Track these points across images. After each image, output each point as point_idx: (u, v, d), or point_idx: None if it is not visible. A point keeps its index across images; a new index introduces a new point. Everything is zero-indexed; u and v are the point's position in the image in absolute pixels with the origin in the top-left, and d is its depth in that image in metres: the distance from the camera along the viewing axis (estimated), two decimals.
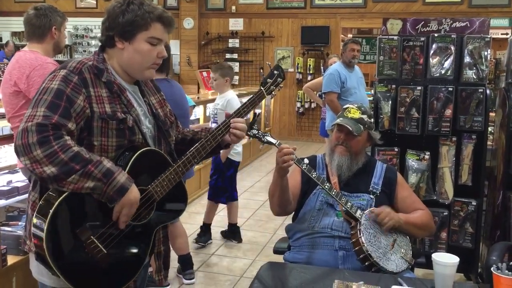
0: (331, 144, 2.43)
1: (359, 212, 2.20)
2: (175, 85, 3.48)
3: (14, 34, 11.18)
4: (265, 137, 2.14)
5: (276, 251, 2.47)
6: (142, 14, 1.66)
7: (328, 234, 2.23)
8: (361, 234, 2.12)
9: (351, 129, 2.32)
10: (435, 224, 3.02)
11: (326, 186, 2.21)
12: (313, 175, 2.21)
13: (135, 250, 1.72)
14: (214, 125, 4.09)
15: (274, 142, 2.15)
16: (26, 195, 3.05)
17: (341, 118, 2.40)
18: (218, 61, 10.39)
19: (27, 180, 3.09)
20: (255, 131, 2.10)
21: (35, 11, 2.85)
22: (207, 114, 4.41)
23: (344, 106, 2.49)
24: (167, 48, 3.34)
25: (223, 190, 4.28)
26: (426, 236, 2.95)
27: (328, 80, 5.17)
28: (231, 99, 4.24)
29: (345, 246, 2.19)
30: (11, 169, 3.30)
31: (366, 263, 2.10)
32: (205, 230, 4.31)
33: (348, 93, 5.17)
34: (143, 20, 1.66)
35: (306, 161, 2.24)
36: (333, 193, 2.21)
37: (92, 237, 1.57)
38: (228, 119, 1.89)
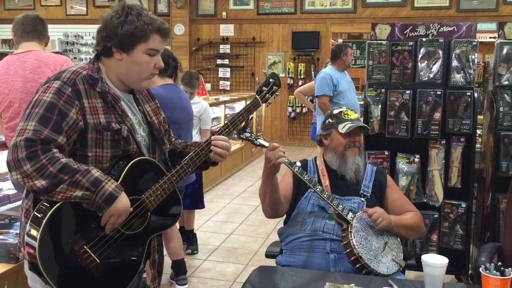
0: (340, 149, 2.38)
1: (350, 214, 2.21)
2: (182, 91, 3.50)
3: (4, 41, 11.12)
4: (258, 140, 2.15)
5: (268, 255, 2.48)
6: (141, 26, 1.65)
7: (320, 237, 2.24)
8: (352, 236, 2.14)
9: (368, 127, 2.41)
10: (426, 227, 3.05)
11: (317, 189, 2.23)
12: (305, 178, 2.23)
13: (129, 259, 1.72)
14: None
15: (267, 145, 2.16)
16: (17, 203, 3.07)
17: (349, 122, 2.37)
18: (209, 67, 10.41)
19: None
20: (247, 134, 2.11)
21: (39, 17, 2.98)
22: None
23: (336, 112, 2.47)
24: (173, 57, 3.36)
25: (201, 195, 4.30)
26: (417, 237, 2.97)
27: (320, 83, 5.20)
28: (208, 107, 4.29)
29: (336, 249, 2.20)
30: (2, 177, 3.28)
31: (357, 265, 2.11)
32: (192, 237, 4.29)
33: (341, 96, 5.21)
34: (142, 32, 1.66)
35: (298, 164, 2.26)
36: (325, 195, 2.22)
37: (85, 246, 1.57)
38: (215, 132, 1.87)
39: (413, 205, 2.50)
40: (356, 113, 2.45)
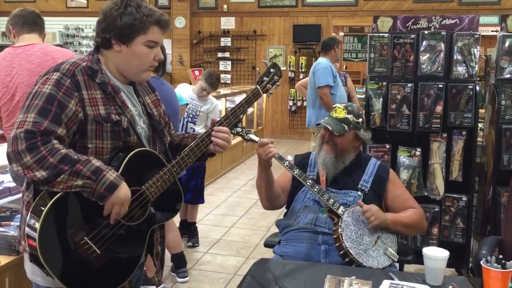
0: (319, 142, 2.46)
1: (341, 208, 2.22)
2: (165, 83, 3.49)
3: (4, 34, 11.10)
4: (248, 134, 2.16)
5: (266, 244, 2.53)
6: (141, 18, 1.64)
7: (312, 230, 2.27)
8: (342, 230, 2.15)
9: (331, 129, 2.35)
10: (427, 220, 3.04)
11: (308, 183, 2.25)
12: (295, 172, 2.27)
13: (129, 251, 1.72)
14: (191, 125, 4.22)
15: (256, 140, 2.18)
16: (18, 196, 3.07)
17: (326, 118, 2.43)
18: (210, 60, 10.39)
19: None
20: (239, 129, 2.11)
21: (37, 12, 2.99)
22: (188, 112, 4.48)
23: (333, 106, 2.50)
24: (162, 49, 3.36)
25: (202, 190, 4.33)
26: (415, 234, 2.97)
27: (323, 73, 5.14)
28: (217, 105, 4.40)
29: (327, 241, 2.22)
30: (3, 170, 3.28)
31: (346, 259, 2.13)
32: (193, 230, 4.32)
33: (337, 88, 5.26)
34: (141, 23, 1.65)
35: (289, 158, 2.30)
36: (315, 189, 2.25)
37: (85, 238, 1.57)
38: (216, 123, 1.86)
39: (416, 202, 2.46)
40: (348, 112, 2.39)
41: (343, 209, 2.22)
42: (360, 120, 2.43)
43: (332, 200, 2.24)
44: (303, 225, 2.29)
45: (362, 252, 2.14)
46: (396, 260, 2.23)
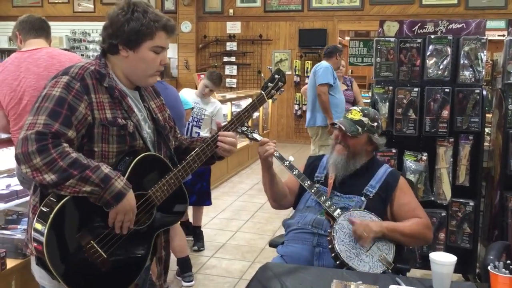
0: (332, 143, 2.49)
1: (338, 211, 2.23)
2: (169, 87, 3.51)
3: (11, 39, 11.17)
4: (252, 134, 2.24)
5: (271, 244, 2.56)
6: (147, 23, 1.65)
7: (309, 231, 2.29)
8: (335, 233, 2.16)
9: (344, 129, 2.36)
10: (433, 225, 3.02)
11: (306, 184, 2.30)
12: (294, 172, 2.33)
13: (135, 254, 1.73)
14: (196, 129, 4.28)
15: (259, 139, 2.26)
16: (25, 199, 3.09)
17: (341, 119, 2.47)
18: (216, 64, 10.41)
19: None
20: (244, 128, 2.17)
21: (43, 18, 3.02)
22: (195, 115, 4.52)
23: (349, 108, 2.54)
24: None
25: (208, 192, 4.35)
26: (419, 245, 2.93)
27: (324, 72, 5.26)
28: (221, 108, 4.46)
29: (322, 243, 2.23)
30: (10, 173, 3.30)
31: (337, 262, 2.13)
32: (199, 234, 4.32)
33: (337, 90, 5.34)
34: (148, 29, 1.65)
35: (291, 158, 2.34)
36: (313, 190, 2.28)
37: (92, 241, 1.58)
38: (222, 128, 1.87)
39: (423, 212, 2.37)
40: (364, 115, 2.40)
41: (339, 212, 2.22)
42: (375, 124, 2.43)
43: (329, 202, 2.25)
44: (302, 226, 2.31)
45: (353, 256, 2.13)
46: (390, 268, 2.18)
